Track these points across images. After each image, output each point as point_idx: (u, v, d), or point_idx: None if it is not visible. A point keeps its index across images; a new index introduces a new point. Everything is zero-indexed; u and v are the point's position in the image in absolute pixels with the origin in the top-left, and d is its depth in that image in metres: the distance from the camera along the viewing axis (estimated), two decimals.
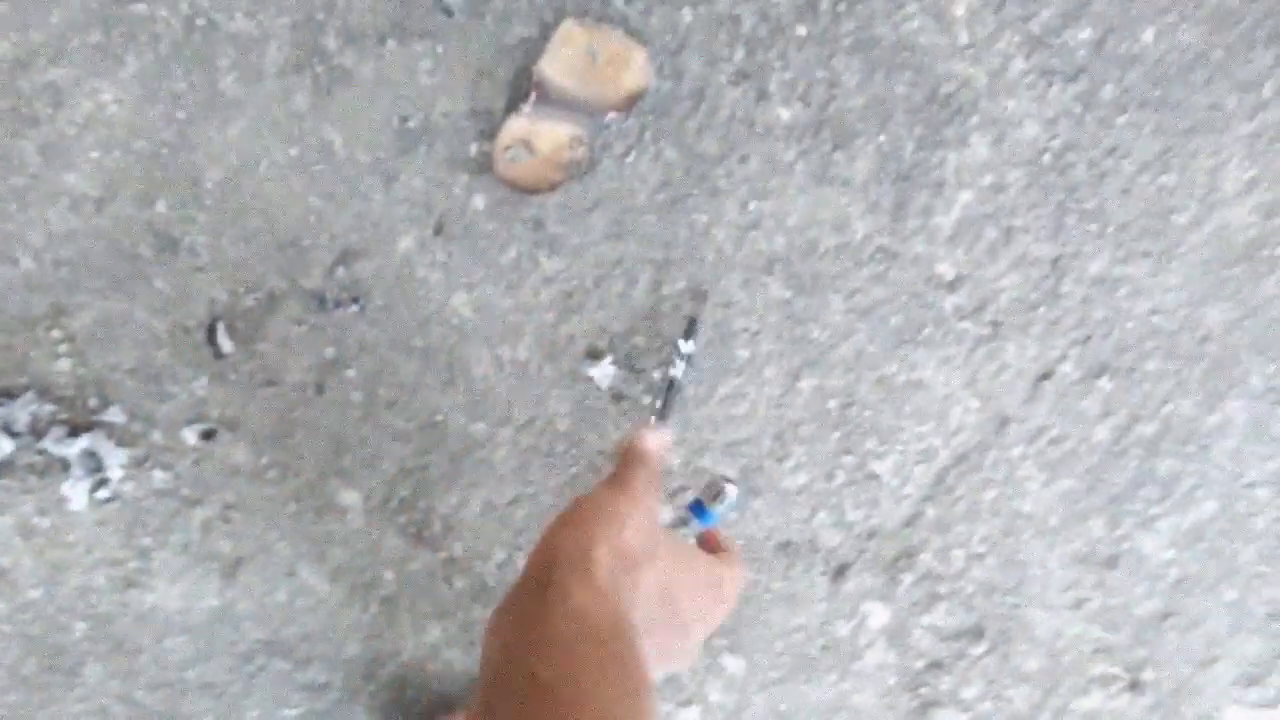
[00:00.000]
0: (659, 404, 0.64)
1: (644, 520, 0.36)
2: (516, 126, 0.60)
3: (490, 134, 0.61)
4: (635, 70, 0.59)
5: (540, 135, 0.60)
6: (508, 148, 0.60)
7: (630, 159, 0.62)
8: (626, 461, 0.39)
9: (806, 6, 0.61)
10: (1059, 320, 0.66)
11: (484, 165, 0.62)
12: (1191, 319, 0.66)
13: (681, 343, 0.63)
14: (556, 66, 0.58)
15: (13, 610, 0.68)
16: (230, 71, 0.60)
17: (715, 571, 0.39)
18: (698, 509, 0.45)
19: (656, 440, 0.40)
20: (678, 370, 0.63)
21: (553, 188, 0.61)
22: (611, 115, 0.60)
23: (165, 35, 0.60)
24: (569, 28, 0.58)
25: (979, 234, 0.64)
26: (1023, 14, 0.61)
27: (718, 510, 0.45)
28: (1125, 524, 0.70)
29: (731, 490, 0.47)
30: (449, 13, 0.59)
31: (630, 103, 0.59)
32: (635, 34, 0.60)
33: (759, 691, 0.72)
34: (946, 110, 0.62)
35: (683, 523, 0.47)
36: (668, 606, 0.35)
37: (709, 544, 0.42)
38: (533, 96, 0.59)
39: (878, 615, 0.71)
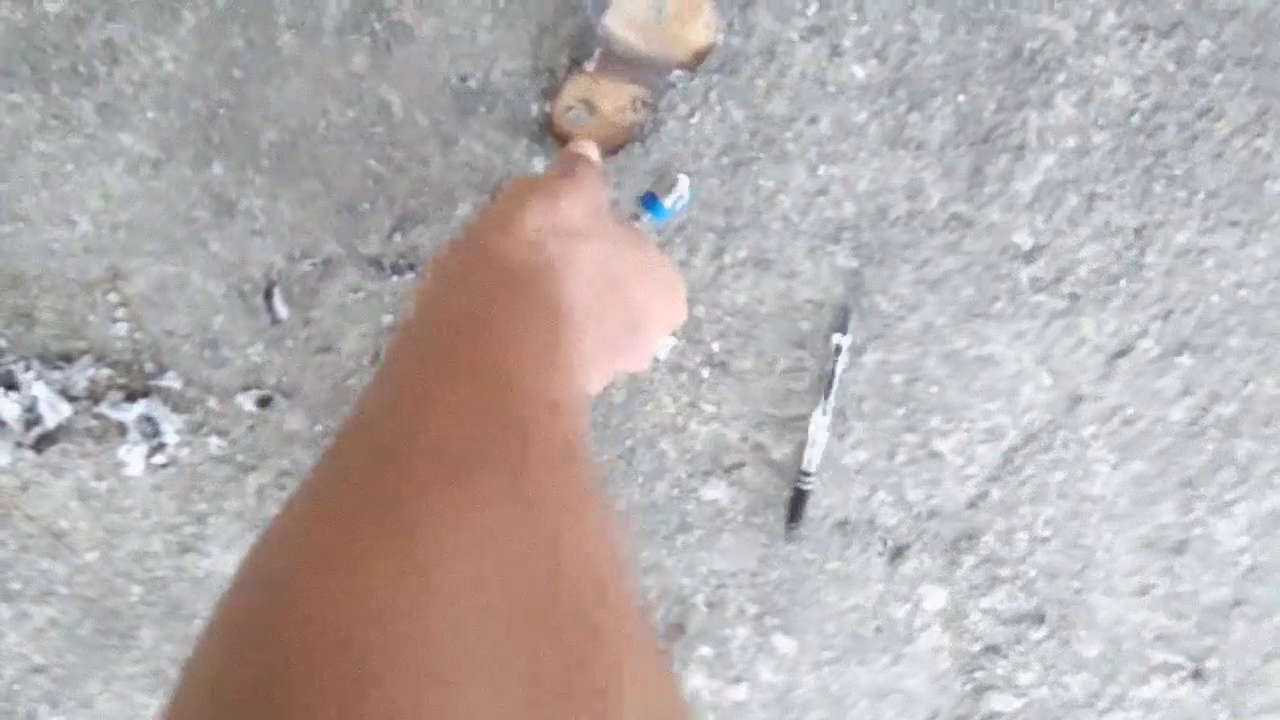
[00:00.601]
0: (824, 398, 0.62)
1: (585, 199, 0.35)
2: (578, 86, 0.58)
3: (552, 94, 0.59)
4: (703, 26, 0.56)
5: (603, 95, 0.58)
6: (569, 108, 0.58)
7: (695, 120, 0.60)
8: (566, 157, 0.39)
9: None
10: (1140, 294, 0.63)
11: (545, 127, 0.60)
12: (1279, 293, 0.63)
13: (838, 337, 0.61)
14: (621, 21, 0.56)
15: (71, 573, 0.69)
16: (288, 29, 0.58)
17: (671, 270, 0.38)
18: (649, 202, 0.42)
19: (593, 148, 0.39)
20: (839, 365, 0.61)
21: (614, 150, 0.59)
22: (677, 73, 0.57)
23: None
24: None
25: (1060, 200, 0.61)
26: None
27: (670, 203, 0.42)
28: (1198, 509, 0.67)
29: (684, 182, 0.44)
30: None
31: (697, 60, 0.57)
32: None
33: (810, 672, 0.71)
34: (1031, 68, 0.59)
35: (634, 218, 0.44)
36: (615, 293, 0.33)
37: None
38: (596, 53, 0.57)
39: (934, 598, 0.70)
